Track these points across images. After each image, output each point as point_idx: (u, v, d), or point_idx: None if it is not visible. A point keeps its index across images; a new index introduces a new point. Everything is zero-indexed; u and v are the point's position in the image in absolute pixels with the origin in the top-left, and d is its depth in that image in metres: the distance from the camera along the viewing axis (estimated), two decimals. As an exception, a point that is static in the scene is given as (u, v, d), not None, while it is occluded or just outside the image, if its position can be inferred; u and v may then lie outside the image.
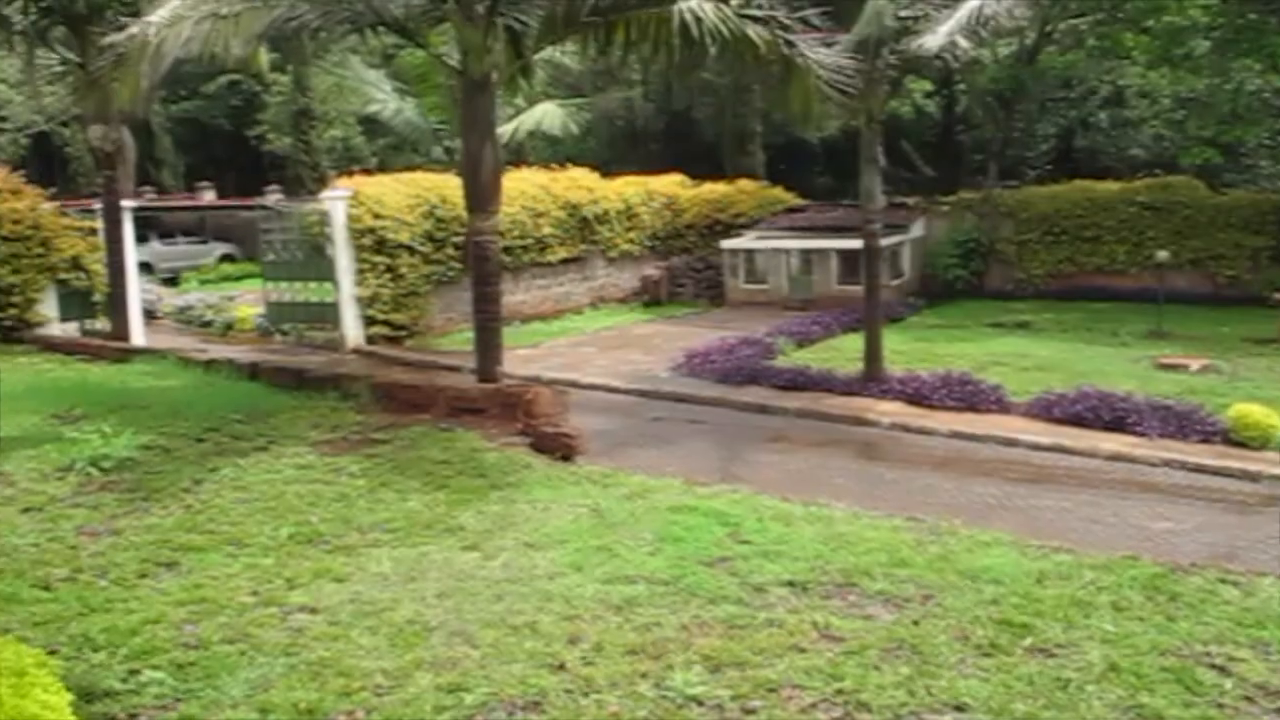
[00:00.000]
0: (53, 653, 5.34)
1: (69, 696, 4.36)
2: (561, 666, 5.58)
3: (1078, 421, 12.18)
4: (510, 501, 8.35)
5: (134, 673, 5.55)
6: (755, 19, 11.77)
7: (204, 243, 39.58)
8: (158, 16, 14.24)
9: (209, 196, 42.82)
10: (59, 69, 18.68)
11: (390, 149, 46.43)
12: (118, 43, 15.26)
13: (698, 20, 11.33)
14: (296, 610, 6.32)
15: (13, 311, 17.89)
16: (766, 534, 7.65)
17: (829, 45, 12.81)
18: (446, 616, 6.15)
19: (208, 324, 24.50)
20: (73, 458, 9.46)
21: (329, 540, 7.52)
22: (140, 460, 9.55)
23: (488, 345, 12.52)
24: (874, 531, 7.79)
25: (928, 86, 34.77)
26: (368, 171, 35.20)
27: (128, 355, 15.73)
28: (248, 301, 25.59)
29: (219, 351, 16.84)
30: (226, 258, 39.64)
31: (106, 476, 9.13)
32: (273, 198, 42.29)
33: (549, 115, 22.17)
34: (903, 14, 14.28)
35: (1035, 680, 5.45)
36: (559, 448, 10.25)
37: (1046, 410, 12.57)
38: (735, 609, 6.30)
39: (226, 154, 49.17)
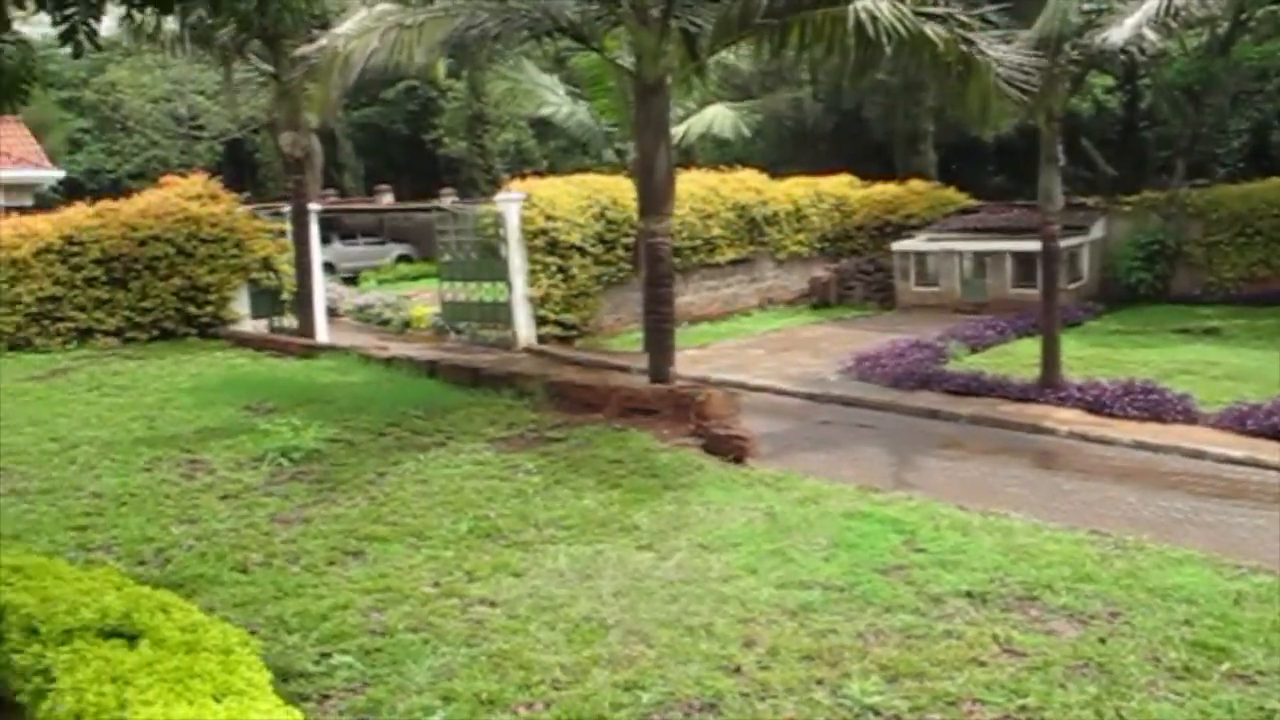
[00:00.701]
0: (252, 633, 5.61)
1: (269, 675, 4.57)
2: (737, 670, 5.59)
3: (1275, 434, 11.56)
4: (683, 502, 8.40)
5: (325, 655, 5.79)
6: (933, 17, 11.55)
7: (382, 244, 40.89)
8: (346, 28, 14.84)
9: (387, 199, 44.24)
10: (253, 80, 19.66)
11: (560, 151, 47.19)
12: (310, 55, 16.02)
13: (873, 19, 11.18)
14: (476, 602, 6.48)
15: (209, 309, 18.85)
16: (943, 543, 7.50)
17: (1007, 42, 12.50)
18: (622, 615, 6.22)
19: (386, 322, 25.28)
20: (265, 449, 9.93)
21: (506, 535, 7.69)
22: (327, 452, 9.96)
23: (660, 346, 12.61)
24: (1056, 544, 7.55)
25: (1109, 82, 33.51)
26: (539, 174, 35.85)
27: (313, 351, 16.41)
28: (423, 301, 26.29)
29: (397, 349, 17.39)
30: (403, 258, 40.86)
31: (296, 467, 9.56)
32: (447, 200, 43.49)
33: (720, 117, 22.23)
34: (1086, 7, 13.81)
35: (1235, 709, 5.19)
36: (731, 449, 10.26)
37: (1239, 422, 11.96)
38: (912, 618, 6.20)
39: (403, 158, 50.74)
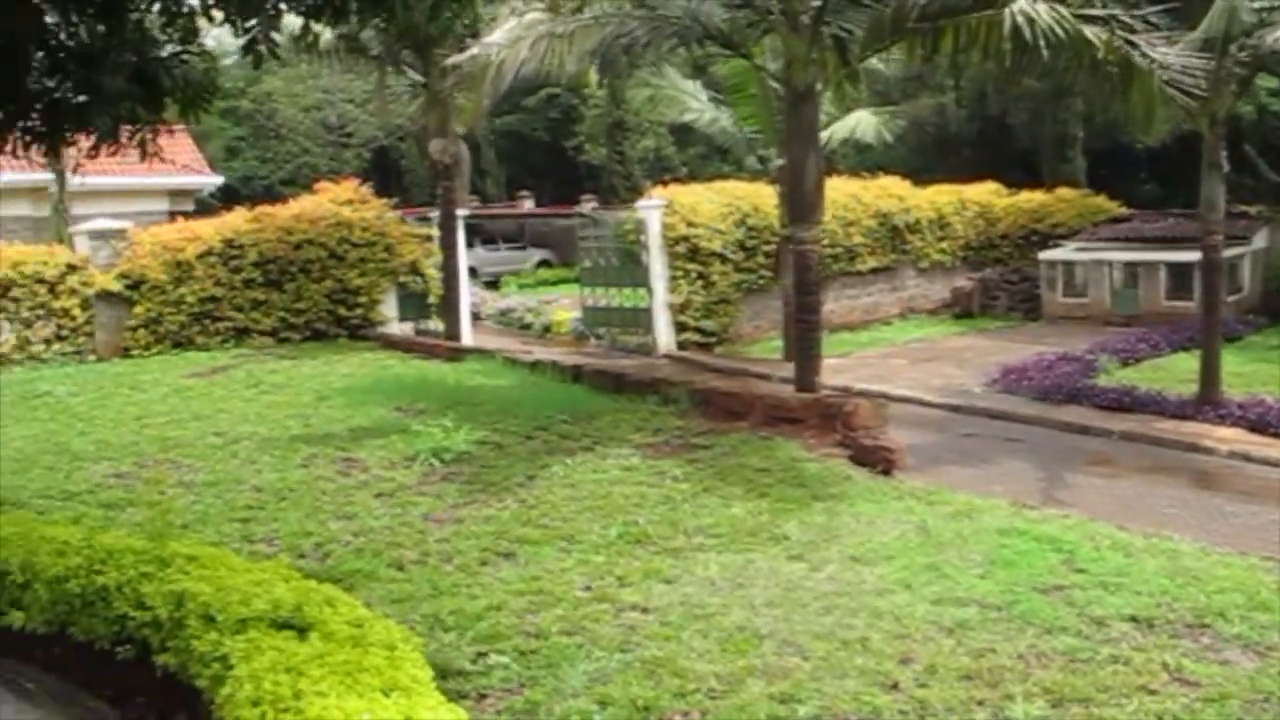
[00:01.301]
0: (409, 630, 5.72)
1: (431, 672, 4.64)
2: (895, 686, 5.48)
3: None
4: (833, 513, 8.30)
5: (481, 655, 5.88)
6: (1093, 19, 11.22)
7: (523, 249, 41.49)
8: (497, 38, 15.10)
9: (528, 205, 44.90)
10: (403, 88, 20.16)
11: (699, 158, 47.23)
12: (461, 63, 16.35)
13: (1031, 22, 10.89)
14: (628, 608, 6.50)
15: (359, 311, 19.38)
16: (1104, 564, 7.25)
17: (1171, 44, 12.07)
18: (776, 625, 6.17)
19: (527, 326, 25.59)
20: (417, 449, 10.14)
21: (656, 542, 7.70)
22: (476, 454, 10.12)
23: (806, 355, 12.50)
24: (1226, 569, 7.23)
25: (1274, 84, 32.06)
26: (679, 180, 35.87)
27: (459, 354, 16.72)
28: (564, 305, 26.56)
29: (539, 353, 17.62)
30: (543, 263, 41.38)
31: (447, 468, 9.74)
32: (588, 206, 43.95)
33: (863, 123, 21.95)
34: (1258, 5, 13.24)
35: None
36: (878, 461, 10.11)
37: None
38: (1075, 641, 6.00)
39: (544, 164, 51.41)
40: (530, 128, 50.13)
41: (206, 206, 30.78)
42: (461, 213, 19.94)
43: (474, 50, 16.66)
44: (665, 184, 24.77)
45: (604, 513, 8.36)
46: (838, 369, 17.85)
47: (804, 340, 12.59)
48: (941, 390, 15.63)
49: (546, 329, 24.73)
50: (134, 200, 26.91)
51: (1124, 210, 26.24)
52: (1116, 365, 16.86)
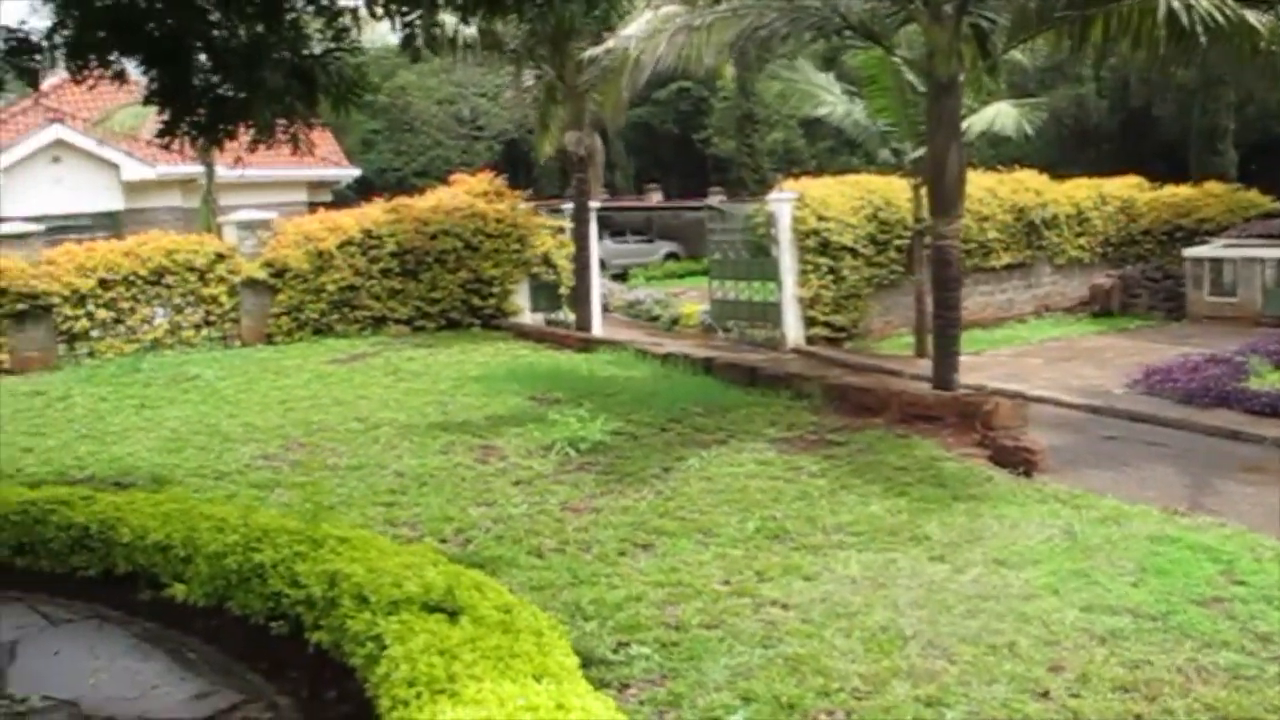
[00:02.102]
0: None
1: (577, 660, 4.67)
2: (1045, 695, 5.33)
3: None
4: (975, 514, 8.12)
5: (623, 645, 5.89)
6: (1254, 3, 10.76)
7: (650, 241, 41.59)
8: (634, 31, 15.15)
9: (656, 198, 45.00)
10: (533, 82, 20.37)
11: (828, 152, 46.77)
12: (599, 57, 16.46)
13: (1188, 8, 10.50)
14: (768, 603, 6.46)
15: (492, 301, 19.67)
16: (1266, 577, 6.93)
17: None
18: (920, 627, 6.06)
19: (655, 318, 25.66)
20: (553, 438, 10.24)
21: (794, 537, 7.64)
22: (612, 445, 10.18)
23: (945, 352, 12.28)
24: (1404, 586, 6.86)
25: None
26: (808, 174, 35.53)
27: (591, 345, 16.84)
28: (691, 298, 26.59)
29: (668, 345, 17.66)
30: (671, 256, 41.42)
31: (583, 457, 9.81)
32: (715, 199, 43.86)
33: (1002, 115, 21.42)
34: None
35: None
36: (1019, 462, 9.86)
37: None
38: (1239, 657, 5.75)
39: (672, 157, 51.44)
40: (660, 120, 50.20)
41: (343, 198, 31.58)
42: (593, 205, 20.09)
43: (610, 44, 16.79)
44: (796, 177, 24.62)
45: (741, 506, 8.32)
46: (971, 367, 17.44)
47: (942, 337, 12.36)
48: (1080, 391, 15.19)
49: (674, 321, 24.79)
50: (275, 192, 27.82)
51: (1277, 206, 25.16)
52: (1270, 368, 16.12)
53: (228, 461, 10.11)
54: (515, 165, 50.58)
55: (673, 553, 7.33)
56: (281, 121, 6.51)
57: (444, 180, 38.75)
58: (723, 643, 5.90)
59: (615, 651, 5.82)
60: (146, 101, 6.76)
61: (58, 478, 9.57)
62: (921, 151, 19.51)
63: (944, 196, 12.08)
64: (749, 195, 41.62)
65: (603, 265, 34.89)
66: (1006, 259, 23.88)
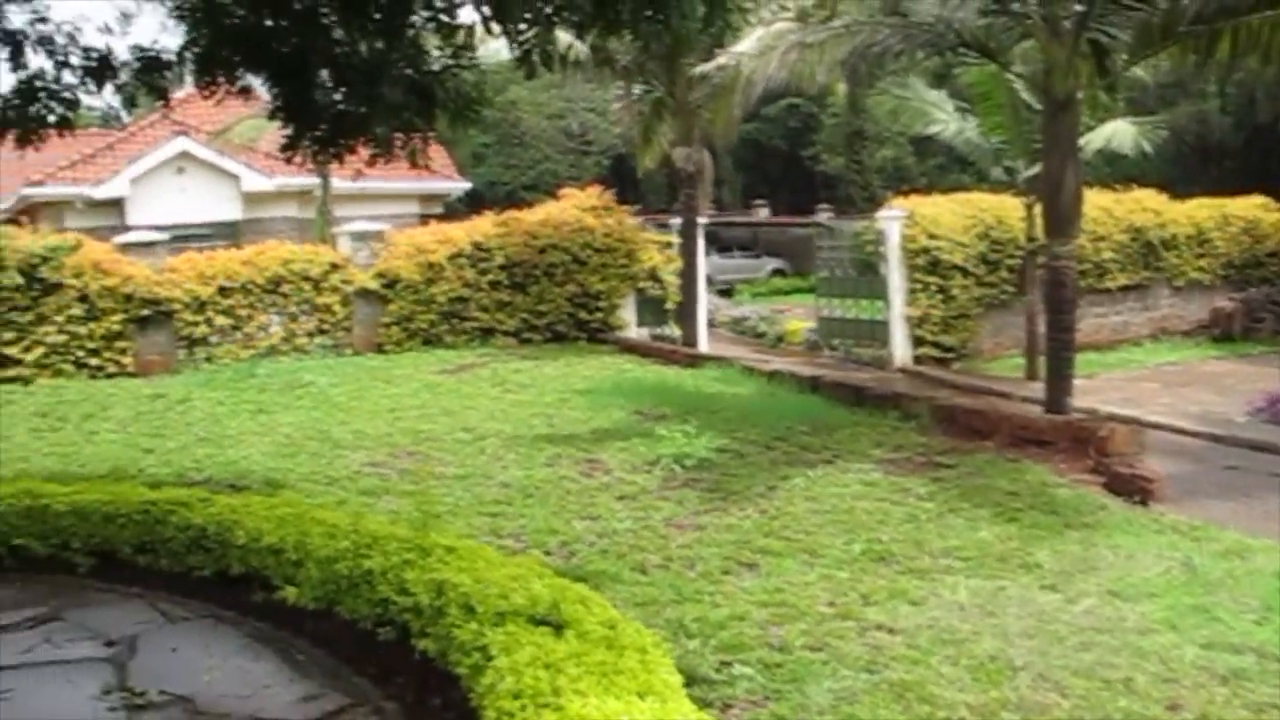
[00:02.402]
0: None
1: (680, 678, 4.65)
2: (1163, 732, 5.17)
3: None
4: (1088, 544, 7.90)
5: (725, 664, 5.85)
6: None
7: (757, 257, 41.50)
8: (746, 48, 15.15)
9: (763, 214, 44.89)
10: (641, 97, 20.47)
11: (937, 169, 46.18)
12: (710, 74, 16.47)
13: (1321, 22, 10.16)
14: (874, 628, 6.36)
15: (598, 315, 19.79)
16: (1406, 618, 6.62)
17: None
18: (1030, 658, 5.91)
19: (760, 335, 25.61)
20: (659, 454, 10.25)
21: (900, 561, 7.52)
22: (717, 462, 10.14)
23: (1058, 375, 12.01)
24: None
25: None
26: (917, 191, 35.04)
27: (697, 361, 16.83)
28: (796, 315, 26.46)
29: (775, 362, 17.58)
30: (777, 272, 41.29)
31: (688, 474, 9.79)
32: (823, 216, 43.59)
33: (1119, 133, 20.96)
34: None
35: None
36: (1135, 490, 9.56)
37: None
38: (1375, 702, 5.50)
39: (780, 173, 51.21)
40: (768, 136, 50.03)
41: (452, 210, 32.07)
42: (701, 221, 20.10)
43: (722, 60, 16.81)
44: (905, 195, 24.37)
45: (846, 528, 8.22)
46: (1084, 390, 16.94)
47: (1056, 360, 12.09)
48: (1199, 418, 14.71)
49: (779, 338, 24.71)
50: (389, 204, 28.42)
51: None
52: (1407, 399, 15.46)
53: (338, 468, 10.32)
54: (622, 180, 50.88)
55: (777, 573, 7.26)
56: (399, 136, 6.63)
57: (552, 194, 39.14)
58: (827, 665, 5.82)
59: (718, 671, 5.79)
60: (271, 116, 6.96)
61: (177, 479, 9.86)
62: (1036, 170, 19.23)
63: (1060, 216, 11.82)
64: (857, 212, 41.26)
65: (708, 281, 34.96)
66: (1122, 280, 23.34)
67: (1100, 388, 17.70)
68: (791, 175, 50.73)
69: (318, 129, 6.62)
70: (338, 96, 6.65)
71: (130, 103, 7.43)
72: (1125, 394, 16.91)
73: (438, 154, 32.90)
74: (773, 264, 41.78)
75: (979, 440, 11.27)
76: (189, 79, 7.21)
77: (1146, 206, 23.87)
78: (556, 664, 4.31)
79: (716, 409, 12.68)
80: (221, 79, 7.03)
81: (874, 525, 8.30)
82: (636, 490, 9.30)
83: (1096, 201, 23.10)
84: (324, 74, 6.68)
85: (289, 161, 6.91)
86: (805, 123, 48.87)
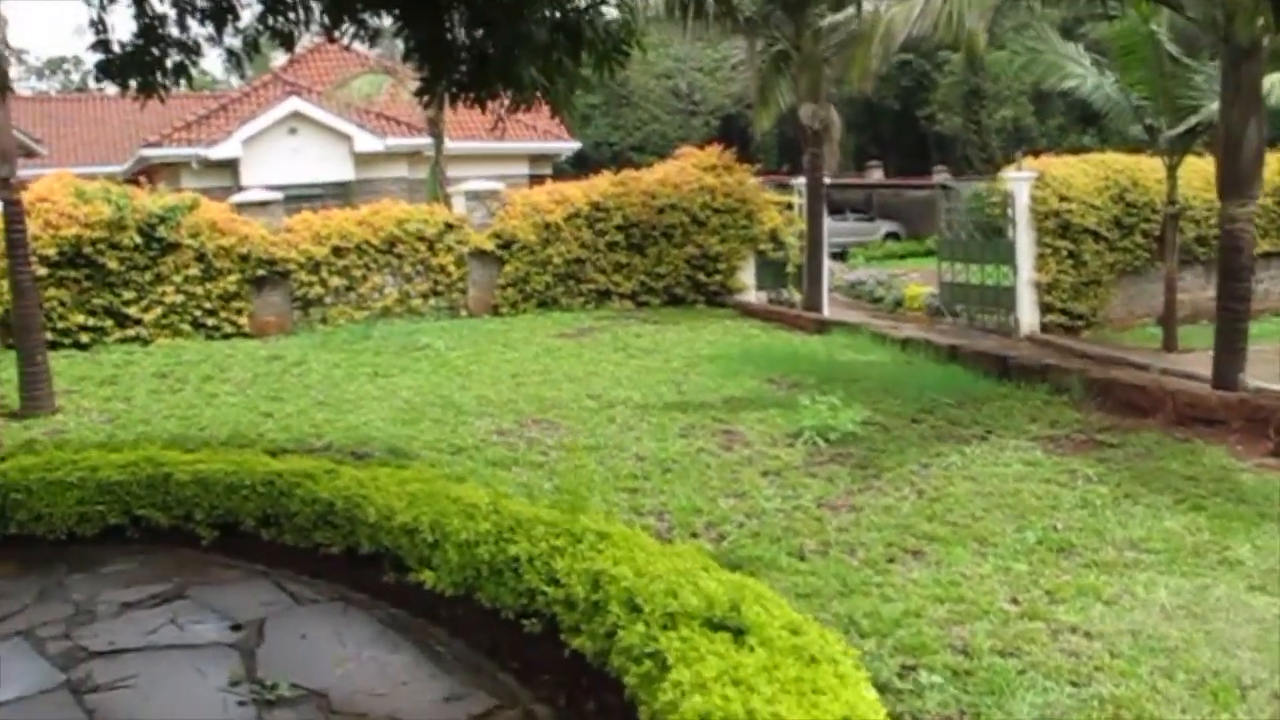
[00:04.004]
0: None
1: (875, 694, 4.05)
2: None
3: None
4: (1291, 537, 7.09)
5: (909, 669, 5.24)
6: None
7: (871, 220, 40.39)
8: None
9: (876, 175, 43.69)
10: (763, 51, 19.65)
11: (1058, 130, 44.47)
12: (842, 24, 15.64)
13: None
14: (1067, 630, 5.68)
15: (717, 278, 19.16)
16: None
17: None
18: (1260, 674, 5.16)
19: (877, 300, 24.80)
20: (801, 426, 9.61)
21: (1081, 553, 6.79)
22: (862, 435, 9.47)
23: (1230, 348, 11.07)
24: None
25: None
26: (1037, 152, 33.63)
27: (824, 326, 16.12)
28: (913, 280, 25.56)
29: (905, 329, 16.82)
30: (891, 235, 40.20)
31: (833, 448, 9.14)
32: (939, 178, 42.25)
33: (1277, 86, 19.62)
34: None
35: None
36: (1329, 477, 8.68)
37: None
38: None
39: (892, 134, 49.82)
40: (880, 95, 48.57)
41: (560, 171, 31.63)
42: (826, 181, 19.33)
43: (850, 9, 15.99)
44: (1034, 155, 23.32)
45: (1015, 513, 7.51)
46: None
47: (1228, 332, 11.13)
48: (1371, 395, 13.59)
49: (898, 303, 23.95)
50: (498, 164, 28.11)
51: None
52: None
53: (463, 436, 9.86)
54: (732, 140, 49.71)
55: (948, 562, 6.60)
56: (542, 81, 6.03)
57: (661, 155, 38.55)
58: (1023, 675, 5.16)
59: (901, 677, 5.17)
60: (405, 58, 6.42)
61: (297, 444, 9.51)
62: (1181, 129, 18.16)
63: (1238, 175, 10.84)
64: (975, 174, 39.87)
65: (822, 244, 34.13)
66: (1265, 246, 21.97)
67: (1250, 360, 16.59)
68: (904, 136, 49.26)
69: (456, 71, 6.06)
70: (478, 36, 6.07)
71: (254, 47, 6.87)
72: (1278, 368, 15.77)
73: (545, 114, 32.49)
74: (887, 227, 40.64)
75: (1140, 417, 10.45)
76: (315, 23, 6.68)
77: (1289, 167, 22.52)
78: (747, 681, 3.74)
79: (853, 378, 11.99)
80: (348, 21, 6.52)
81: (1045, 511, 7.58)
82: (781, 466, 8.67)
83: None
84: (458, 14, 6.11)
85: (427, 106, 6.38)
86: (919, 81, 47.30)
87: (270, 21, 6.69)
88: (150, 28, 6.54)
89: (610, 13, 6.18)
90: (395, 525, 5.97)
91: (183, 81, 7.01)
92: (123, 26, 6.96)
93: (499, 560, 5.34)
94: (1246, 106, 10.72)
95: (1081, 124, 44.69)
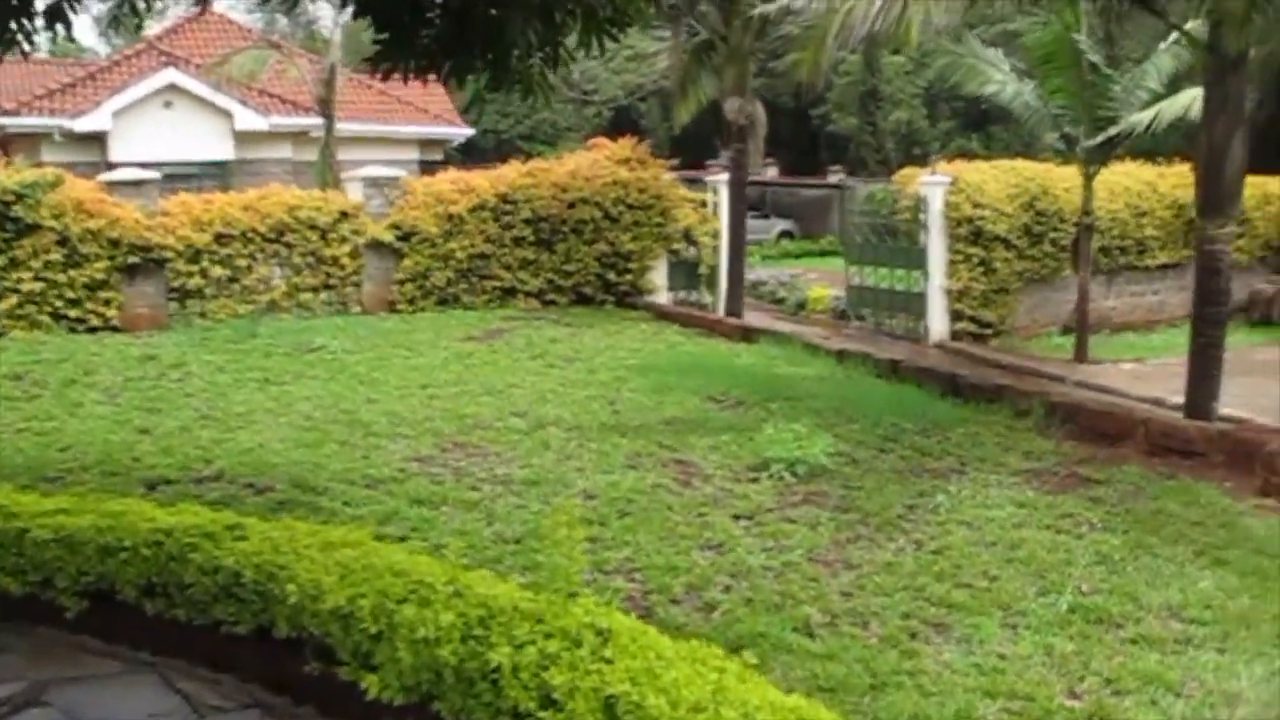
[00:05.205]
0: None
1: None
2: None
3: None
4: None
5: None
6: None
7: (765, 218, 39.76)
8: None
9: (771, 173, 43.02)
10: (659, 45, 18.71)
11: (945, 134, 44.56)
12: (777, 15, 14.65)
13: None
14: (1145, 738, 4.74)
15: (628, 277, 18.07)
16: None
17: None
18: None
19: (779, 300, 24.27)
20: (762, 456, 8.56)
21: (1123, 624, 5.88)
22: (832, 469, 8.47)
23: (1205, 375, 10.37)
24: None
25: None
26: (928, 156, 33.46)
27: (749, 334, 15.15)
28: (814, 280, 25.00)
29: (817, 336, 16.11)
30: (785, 234, 39.72)
31: (804, 485, 8.11)
32: (835, 177, 41.89)
33: (1197, 101, 19.44)
34: None
35: None
36: (1336, 522, 7.99)
37: None
38: None
39: (787, 132, 49.34)
40: (775, 94, 48.05)
41: (449, 159, 30.21)
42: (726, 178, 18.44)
43: (782, 0, 15.08)
44: (925, 158, 23.14)
45: (1030, 570, 6.57)
46: (1139, 375, 15.87)
47: (1203, 358, 10.43)
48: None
49: (801, 305, 23.50)
50: (388, 148, 26.69)
51: None
52: None
53: (376, 463, 8.53)
54: (623, 133, 48.82)
55: (978, 638, 5.61)
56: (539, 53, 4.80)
57: (552, 144, 37.26)
58: (1120, 805, 4.20)
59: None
60: (356, 15, 5.14)
61: (182, 473, 8.12)
62: (1100, 139, 17.86)
63: (1220, 192, 10.14)
64: (869, 175, 39.65)
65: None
66: (1163, 258, 22.32)
67: (1155, 374, 16.35)
68: (797, 135, 48.85)
69: (423, 36, 4.78)
70: None
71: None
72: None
73: (439, 98, 30.97)
74: (781, 225, 40.15)
75: (1111, 446, 9.74)
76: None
77: (1191, 182, 22.46)
78: None
79: (796, 396, 11.03)
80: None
81: (1060, 567, 6.66)
82: (752, 507, 7.59)
83: (1142, 175, 21.95)
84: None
85: (385, 78, 5.01)
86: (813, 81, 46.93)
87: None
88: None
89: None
90: (325, 610, 4.68)
91: (48, 38, 5.62)
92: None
93: (470, 667, 4.14)
94: (1231, 121, 10.01)
95: (968, 129, 44.95)
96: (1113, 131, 17.80)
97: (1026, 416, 10.48)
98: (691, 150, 34.91)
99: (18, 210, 14.36)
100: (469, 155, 33.56)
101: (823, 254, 36.72)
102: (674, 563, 6.49)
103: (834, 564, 6.59)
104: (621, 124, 49.01)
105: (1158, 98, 18.40)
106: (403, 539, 6.65)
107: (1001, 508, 7.75)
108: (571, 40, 5.20)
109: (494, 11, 4.55)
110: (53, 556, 5.48)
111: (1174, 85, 18.85)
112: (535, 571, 6.10)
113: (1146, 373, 16.63)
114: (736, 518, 7.38)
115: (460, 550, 5.54)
